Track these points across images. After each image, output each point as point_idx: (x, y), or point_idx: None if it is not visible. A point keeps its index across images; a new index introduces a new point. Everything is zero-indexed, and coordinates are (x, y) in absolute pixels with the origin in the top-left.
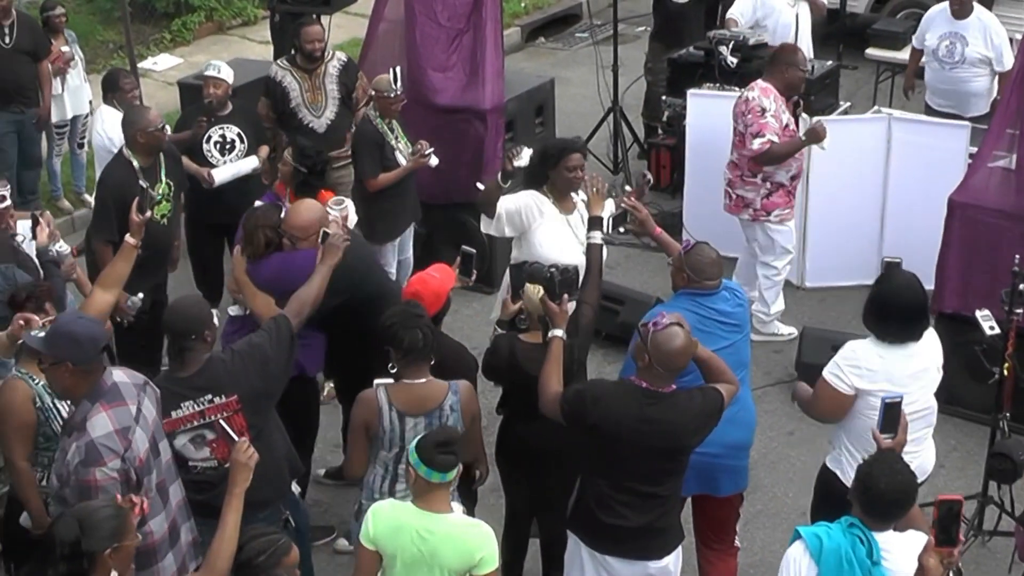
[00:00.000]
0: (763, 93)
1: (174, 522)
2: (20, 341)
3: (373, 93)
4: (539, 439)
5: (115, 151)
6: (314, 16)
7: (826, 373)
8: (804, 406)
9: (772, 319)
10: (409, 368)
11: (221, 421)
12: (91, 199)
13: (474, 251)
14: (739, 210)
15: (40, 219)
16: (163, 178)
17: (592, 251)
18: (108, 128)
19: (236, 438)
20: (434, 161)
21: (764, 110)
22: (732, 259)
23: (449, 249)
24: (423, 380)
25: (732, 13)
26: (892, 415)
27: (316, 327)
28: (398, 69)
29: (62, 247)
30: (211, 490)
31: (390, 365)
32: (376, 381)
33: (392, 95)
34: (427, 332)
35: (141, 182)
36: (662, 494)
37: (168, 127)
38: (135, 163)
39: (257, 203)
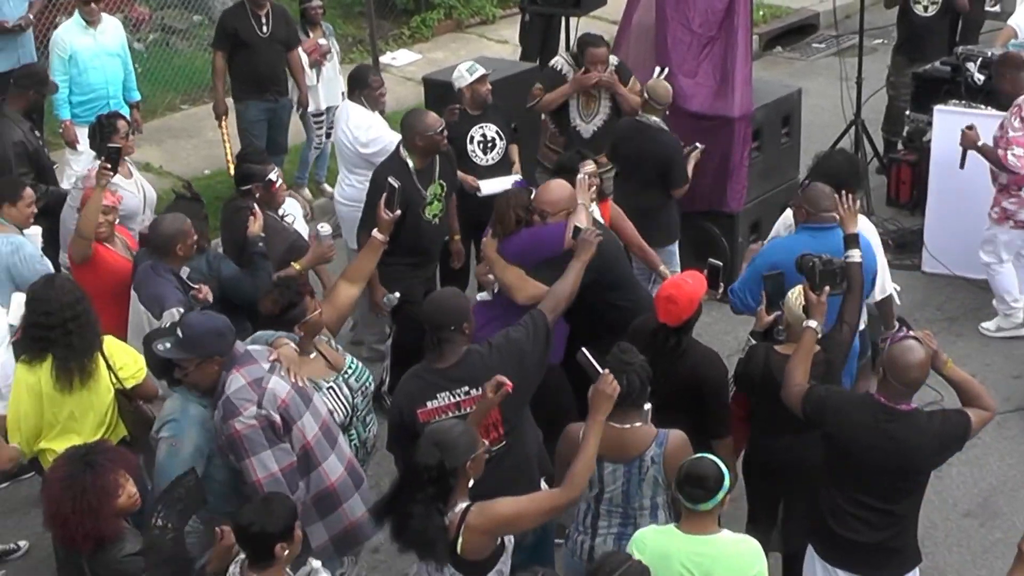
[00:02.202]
0: None
1: (351, 467)
2: None
3: (646, 96)
4: (787, 453)
5: (358, 149)
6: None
7: None
8: None
9: None
10: (616, 412)
11: (586, 352)
12: (331, 189)
13: (721, 264)
14: None
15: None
16: (436, 179)
17: (852, 269)
18: (352, 125)
19: (600, 370)
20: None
21: None
22: (978, 282)
23: (690, 255)
24: (629, 425)
25: (1012, 21)
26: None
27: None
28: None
29: (324, 227)
30: None
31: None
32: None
33: (665, 109)
34: (642, 377)
35: (392, 181)
36: (897, 512)
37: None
38: (411, 164)
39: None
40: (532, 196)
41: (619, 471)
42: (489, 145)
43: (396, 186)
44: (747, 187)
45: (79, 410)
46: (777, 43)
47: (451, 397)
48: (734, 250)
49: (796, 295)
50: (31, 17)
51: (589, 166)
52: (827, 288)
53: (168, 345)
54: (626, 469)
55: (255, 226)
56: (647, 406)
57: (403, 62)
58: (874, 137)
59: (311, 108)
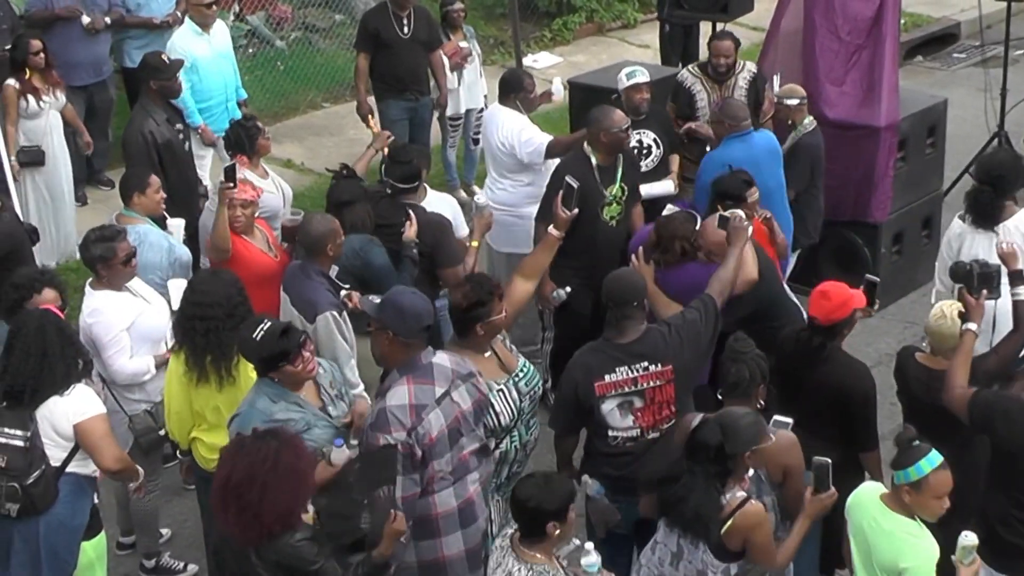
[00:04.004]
0: None
1: (467, 504)
2: None
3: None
4: None
5: (514, 153)
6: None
7: None
8: None
9: None
10: (726, 402)
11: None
12: (480, 191)
13: (878, 279)
14: None
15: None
16: (618, 180)
17: (1019, 307)
18: (507, 131)
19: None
20: None
21: None
22: None
23: (832, 264)
24: None
25: None
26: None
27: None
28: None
29: (480, 198)
30: (629, 465)
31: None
32: (776, 418)
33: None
34: (751, 369)
35: (570, 180)
36: None
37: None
38: (594, 160)
39: (669, 208)
40: (697, 228)
41: None
42: (645, 152)
43: (575, 187)
44: (891, 197)
45: (225, 405)
46: (918, 52)
47: (629, 372)
48: (876, 260)
49: (939, 308)
50: (179, 14)
51: (756, 194)
52: (984, 291)
53: (373, 301)
54: None
55: (411, 231)
56: (788, 417)
57: (544, 64)
58: (1017, 149)
59: (449, 111)
